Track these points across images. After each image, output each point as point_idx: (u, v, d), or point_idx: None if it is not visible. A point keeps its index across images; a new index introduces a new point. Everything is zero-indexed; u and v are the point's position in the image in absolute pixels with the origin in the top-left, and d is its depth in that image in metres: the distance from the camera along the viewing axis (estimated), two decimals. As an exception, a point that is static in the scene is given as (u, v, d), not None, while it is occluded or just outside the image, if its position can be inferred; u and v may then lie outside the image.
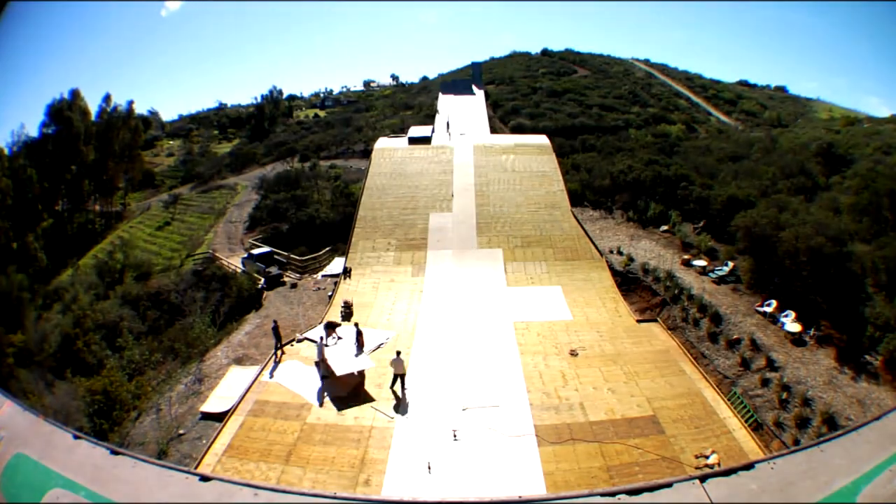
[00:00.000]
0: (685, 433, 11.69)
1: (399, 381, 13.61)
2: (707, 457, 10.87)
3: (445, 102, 49.03)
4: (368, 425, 12.33)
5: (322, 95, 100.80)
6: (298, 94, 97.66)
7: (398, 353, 13.82)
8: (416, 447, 11.52)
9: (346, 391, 13.69)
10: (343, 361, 14.41)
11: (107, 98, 56.04)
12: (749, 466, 6.54)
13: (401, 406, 13.09)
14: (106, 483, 6.87)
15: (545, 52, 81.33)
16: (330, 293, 20.86)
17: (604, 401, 12.90)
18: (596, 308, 18.49)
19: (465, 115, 42.97)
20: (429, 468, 10.86)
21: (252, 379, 14.50)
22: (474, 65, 73.80)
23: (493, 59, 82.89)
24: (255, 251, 27.05)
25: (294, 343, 16.75)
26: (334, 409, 13.01)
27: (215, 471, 10.76)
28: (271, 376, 14.70)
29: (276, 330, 16.01)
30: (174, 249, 36.42)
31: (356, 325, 16.09)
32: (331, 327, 16.64)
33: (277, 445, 11.72)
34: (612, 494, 6.36)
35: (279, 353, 15.88)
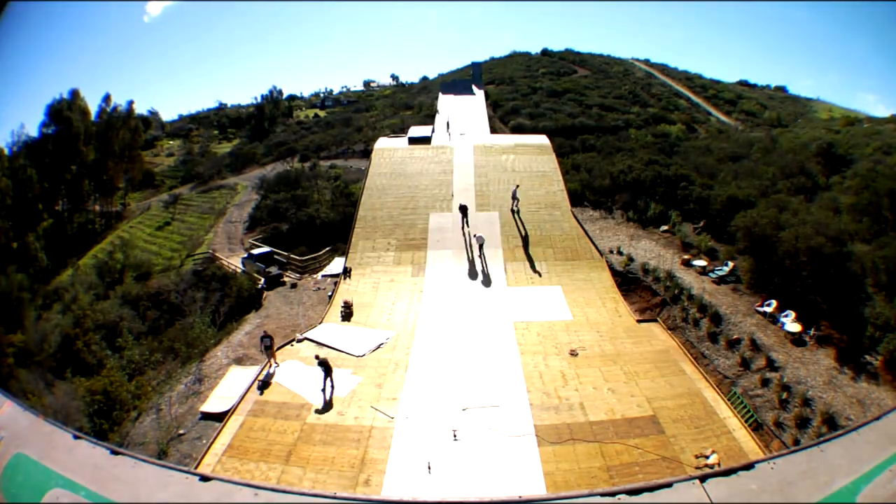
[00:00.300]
0: (685, 433, 11.67)
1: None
2: (707, 457, 10.87)
3: (445, 102, 48.92)
4: (368, 425, 12.32)
5: (322, 95, 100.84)
6: (298, 94, 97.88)
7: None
8: (416, 447, 11.51)
9: None
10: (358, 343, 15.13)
11: (107, 98, 56.33)
12: (749, 466, 6.53)
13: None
14: (106, 483, 6.87)
15: (545, 52, 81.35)
16: (330, 293, 20.88)
17: (604, 401, 12.89)
18: (596, 308, 18.48)
19: (465, 115, 42.87)
20: (429, 468, 10.86)
21: (252, 379, 14.49)
22: (474, 65, 73.64)
23: (493, 59, 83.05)
24: (255, 251, 27.06)
25: (294, 343, 16.75)
26: (334, 409, 13.00)
27: (215, 471, 10.76)
28: (262, 386, 14.05)
29: (268, 342, 15.18)
30: (174, 249, 36.47)
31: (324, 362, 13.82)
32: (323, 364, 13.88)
33: (277, 445, 11.71)
34: (612, 494, 6.35)
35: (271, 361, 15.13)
